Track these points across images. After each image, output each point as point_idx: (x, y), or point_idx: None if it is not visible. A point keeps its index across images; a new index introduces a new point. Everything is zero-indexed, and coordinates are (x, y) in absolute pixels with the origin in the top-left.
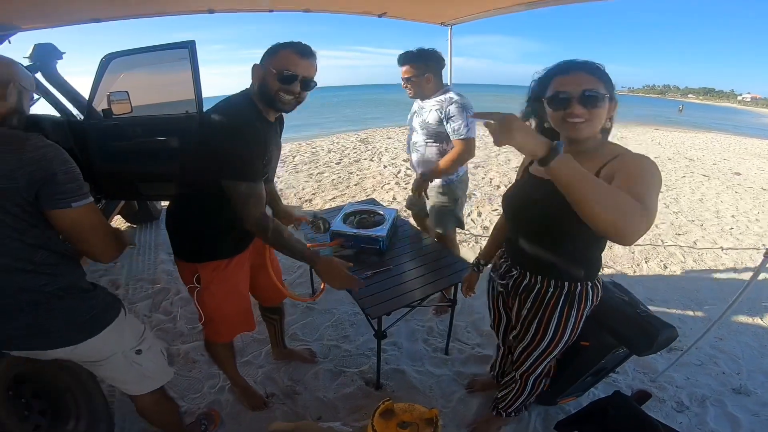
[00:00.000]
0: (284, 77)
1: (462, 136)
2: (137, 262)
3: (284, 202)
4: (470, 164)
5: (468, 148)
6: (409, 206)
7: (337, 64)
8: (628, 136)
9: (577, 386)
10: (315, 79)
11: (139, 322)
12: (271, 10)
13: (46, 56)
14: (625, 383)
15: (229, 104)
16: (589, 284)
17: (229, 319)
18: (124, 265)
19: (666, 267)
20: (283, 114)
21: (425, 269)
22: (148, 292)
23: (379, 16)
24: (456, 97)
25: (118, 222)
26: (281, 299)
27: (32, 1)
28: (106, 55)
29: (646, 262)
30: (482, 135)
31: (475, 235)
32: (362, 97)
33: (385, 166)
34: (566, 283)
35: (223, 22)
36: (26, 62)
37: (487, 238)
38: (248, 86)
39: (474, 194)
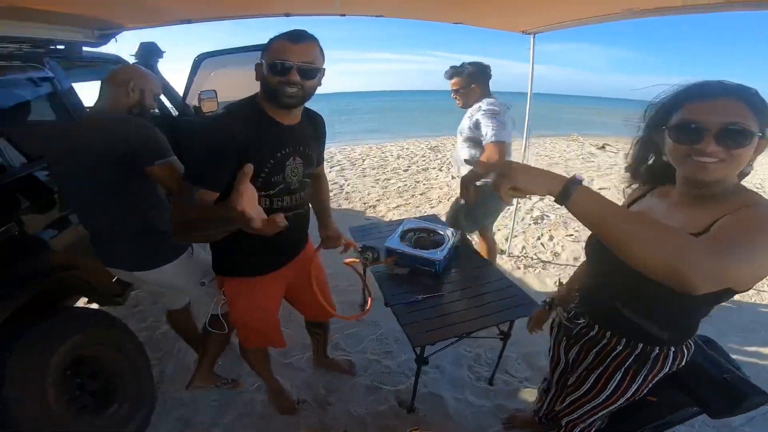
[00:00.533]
0: (279, 68)
1: (489, 140)
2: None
3: (348, 206)
4: None
5: (496, 150)
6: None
7: (411, 69)
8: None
9: None
10: (318, 65)
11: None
12: (343, 15)
13: (149, 54)
14: None
15: (225, 108)
16: (673, 349)
17: (255, 331)
18: (201, 251)
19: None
20: (321, 116)
21: (482, 299)
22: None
23: (455, 23)
24: (485, 105)
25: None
26: (326, 318)
27: (136, 3)
28: (198, 55)
29: (750, 297)
30: (564, 150)
31: (544, 261)
32: (436, 103)
33: (453, 177)
34: (640, 345)
35: (300, 26)
36: (132, 60)
37: (555, 265)
38: None
39: (547, 216)
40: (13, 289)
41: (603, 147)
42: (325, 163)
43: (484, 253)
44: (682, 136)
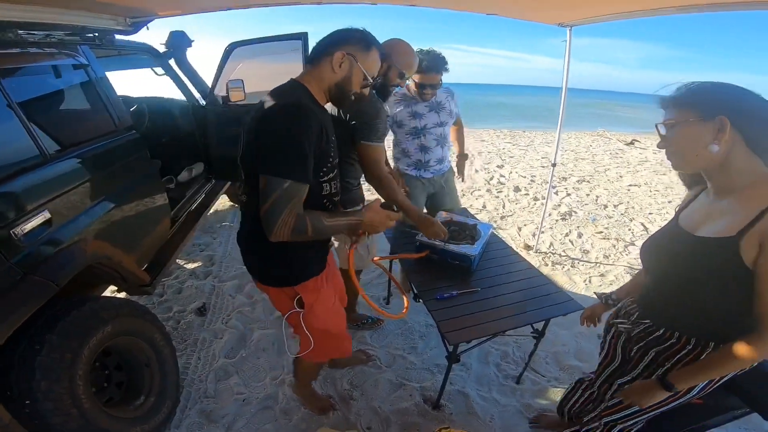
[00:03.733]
0: (372, 86)
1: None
2: (234, 241)
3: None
4: (573, 178)
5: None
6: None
7: None
8: None
9: None
10: None
11: None
12: (374, 3)
13: (178, 43)
14: None
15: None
16: None
17: (333, 339)
18: (222, 242)
19: None
20: None
21: (518, 296)
22: (236, 272)
23: (489, 14)
24: (449, 93)
25: (224, 201)
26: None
27: None
28: (230, 44)
29: None
30: (590, 146)
31: (572, 258)
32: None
33: (476, 171)
34: (712, 343)
35: (332, 13)
36: (162, 48)
37: (584, 263)
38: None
39: (575, 212)
40: (46, 279)
41: (632, 143)
42: None
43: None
44: None
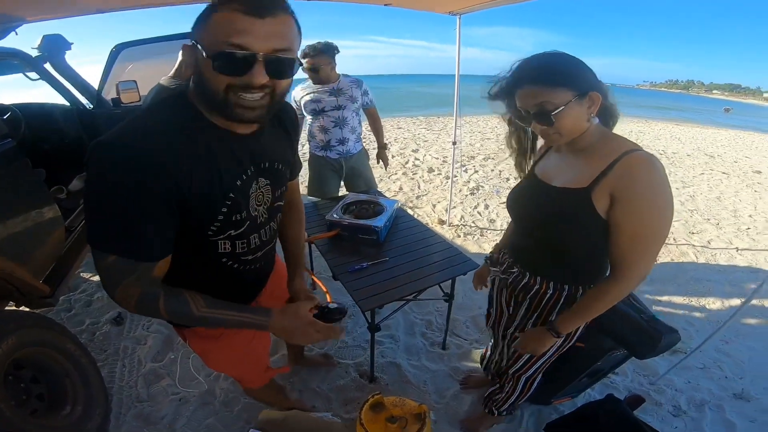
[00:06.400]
0: (233, 62)
1: (374, 106)
2: None
3: None
4: (480, 156)
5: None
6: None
7: (350, 54)
8: (647, 131)
9: (572, 387)
10: (295, 52)
11: None
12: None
13: (54, 47)
14: (623, 385)
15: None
16: None
17: (251, 372)
18: None
19: (676, 266)
20: (287, 103)
21: (423, 262)
22: None
23: (385, 5)
24: (356, 80)
25: None
26: None
27: None
28: (116, 45)
29: (655, 260)
30: (496, 127)
31: (481, 228)
32: (374, 87)
33: (392, 156)
34: (566, 286)
35: None
36: (35, 53)
37: (491, 231)
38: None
39: (482, 186)
40: None
41: None
42: None
43: None
44: (524, 120)
